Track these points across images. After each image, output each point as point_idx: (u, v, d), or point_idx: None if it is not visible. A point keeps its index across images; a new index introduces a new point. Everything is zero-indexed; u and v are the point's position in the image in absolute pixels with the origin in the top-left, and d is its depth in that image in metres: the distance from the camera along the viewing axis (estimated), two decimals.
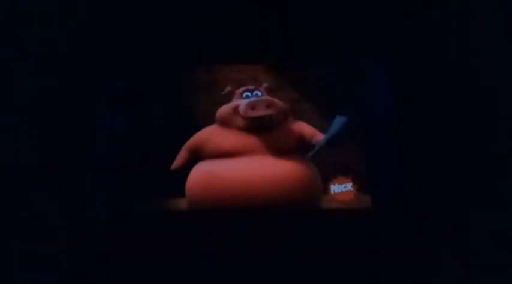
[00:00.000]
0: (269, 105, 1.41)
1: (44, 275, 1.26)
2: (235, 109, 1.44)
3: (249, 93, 1.50)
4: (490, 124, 1.45)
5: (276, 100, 1.45)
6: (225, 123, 1.46)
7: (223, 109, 1.48)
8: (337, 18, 1.62)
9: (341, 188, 1.42)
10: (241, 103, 1.44)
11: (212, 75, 1.61)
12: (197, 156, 1.45)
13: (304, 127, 1.48)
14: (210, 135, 1.47)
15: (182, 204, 1.41)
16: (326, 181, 1.43)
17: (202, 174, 1.40)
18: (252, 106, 1.41)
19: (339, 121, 1.33)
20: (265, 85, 1.53)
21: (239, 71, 1.61)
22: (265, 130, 1.43)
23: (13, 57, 1.46)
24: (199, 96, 1.58)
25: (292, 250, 1.33)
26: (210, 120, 1.50)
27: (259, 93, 1.50)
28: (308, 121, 1.51)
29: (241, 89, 1.51)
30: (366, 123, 1.53)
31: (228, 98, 1.52)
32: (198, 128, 1.49)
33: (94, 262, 1.30)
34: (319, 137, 1.42)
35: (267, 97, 1.46)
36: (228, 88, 1.52)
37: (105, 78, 1.55)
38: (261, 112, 1.40)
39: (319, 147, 1.37)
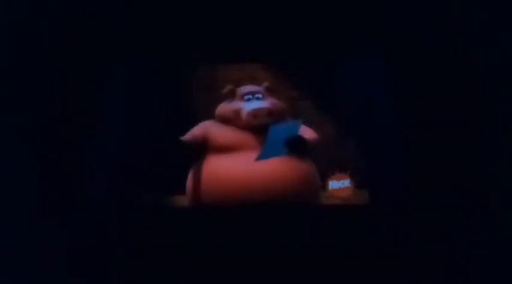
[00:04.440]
0: (270, 113, 1.44)
1: (42, 270, 1.28)
2: (237, 112, 1.46)
3: (250, 96, 1.50)
4: (490, 119, 1.44)
5: (276, 105, 1.48)
6: (225, 121, 1.49)
7: (224, 110, 1.50)
8: (335, 15, 1.63)
9: (339, 184, 1.43)
10: (243, 109, 1.45)
11: (211, 73, 1.62)
12: (203, 141, 1.46)
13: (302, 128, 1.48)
14: (209, 128, 1.48)
15: (183, 201, 1.44)
16: (324, 177, 1.43)
17: (201, 172, 1.42)
18: (254, 115, 1.43)
19: (276, 133, 1.37)
20: (265, 84, 1.54)
21: (238, 69, 1.62)
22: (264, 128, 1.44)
23: (13, 56, 1.49)
24: (199, 94, 1.59)
25: (291, 247, 1.33)
26: (209, 118, 1.52)
27: (260, 96, 1.51)
28: (307, 118, 1.51)
29: (243, 91, 1.51)
30: (365, 119, 1.54)
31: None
32: None
33: (93, 257, 1.32)
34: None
35: (267, 104, 1.47)
36: (230, 87, 1.52)
37: (106, 74, 1.57)
38: (263, 120, 1.43)
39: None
